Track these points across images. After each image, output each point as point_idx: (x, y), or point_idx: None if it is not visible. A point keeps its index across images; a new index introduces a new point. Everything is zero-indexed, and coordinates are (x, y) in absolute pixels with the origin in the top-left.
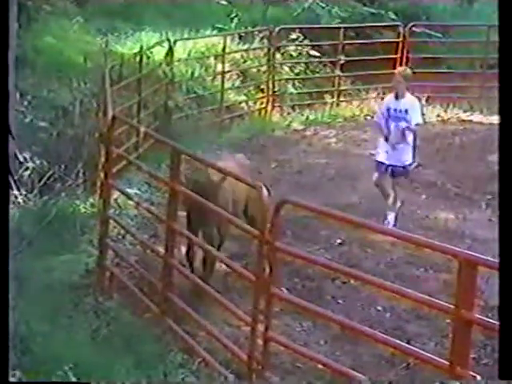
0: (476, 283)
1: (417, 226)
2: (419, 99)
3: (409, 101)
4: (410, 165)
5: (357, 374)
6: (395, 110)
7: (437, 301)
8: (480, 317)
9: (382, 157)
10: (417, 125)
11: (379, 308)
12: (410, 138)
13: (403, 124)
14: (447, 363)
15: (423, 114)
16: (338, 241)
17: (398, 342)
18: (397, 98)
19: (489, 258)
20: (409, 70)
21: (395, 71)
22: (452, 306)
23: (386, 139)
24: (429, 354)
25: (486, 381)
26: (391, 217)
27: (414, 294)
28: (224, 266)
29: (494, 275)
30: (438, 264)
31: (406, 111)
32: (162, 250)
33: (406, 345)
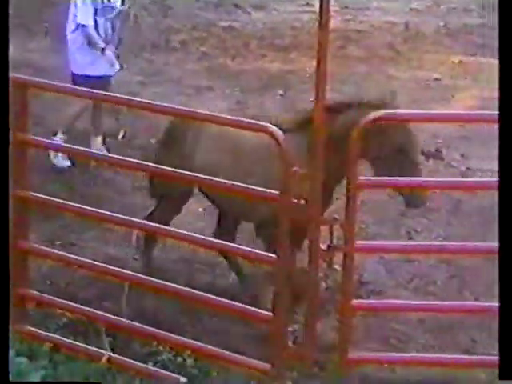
0: (26, 103)
1: None
2: None
3: None
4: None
5: None
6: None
7: None
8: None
9: (89, 69)
10: None
11: None
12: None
13: (113, 14)
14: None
15: None
16: None
17: None
18: None
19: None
20: None
21: None
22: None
23: (103, 50)
24: None
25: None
26: None
27: None
28: None
29: None
30: None
31: None
32: None
33: None
